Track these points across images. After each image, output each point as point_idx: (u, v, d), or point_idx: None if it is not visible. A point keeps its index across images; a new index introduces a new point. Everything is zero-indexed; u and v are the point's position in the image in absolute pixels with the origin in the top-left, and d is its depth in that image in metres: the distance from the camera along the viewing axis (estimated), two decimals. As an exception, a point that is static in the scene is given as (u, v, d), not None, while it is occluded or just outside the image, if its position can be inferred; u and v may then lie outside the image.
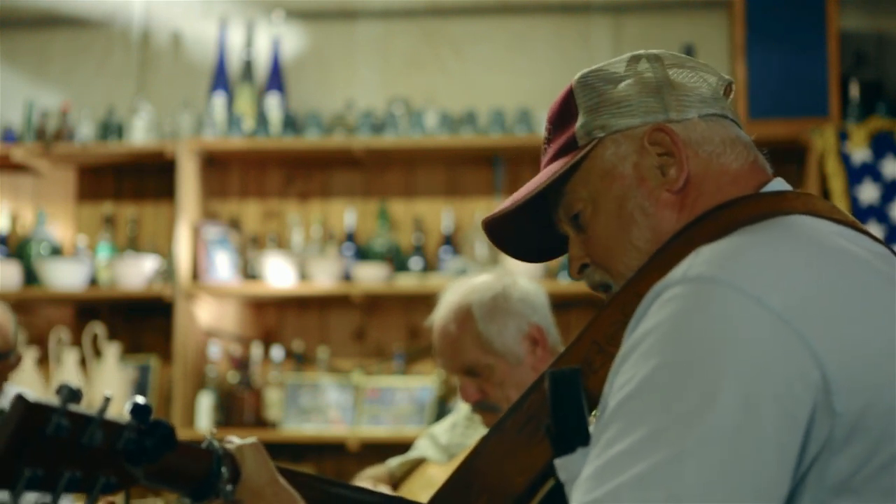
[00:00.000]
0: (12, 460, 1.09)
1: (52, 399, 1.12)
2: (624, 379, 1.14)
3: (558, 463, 1.26)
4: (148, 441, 1.20)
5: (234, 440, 1.37)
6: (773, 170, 1.40)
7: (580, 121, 1.39)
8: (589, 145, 1.38)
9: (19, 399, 1.08)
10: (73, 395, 1.11)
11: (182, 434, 1.26)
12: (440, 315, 2.60)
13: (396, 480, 2.79)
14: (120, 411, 1.22)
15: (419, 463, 2.81)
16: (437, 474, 2.67)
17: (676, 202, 1.34)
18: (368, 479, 2.77)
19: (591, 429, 1.23)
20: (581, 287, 4.73)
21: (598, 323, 1.34)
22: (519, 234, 1.49)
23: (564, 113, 1.41)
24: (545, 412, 1.31)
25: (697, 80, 1.39)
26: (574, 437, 1.26)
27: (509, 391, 2.50)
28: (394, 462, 2.82)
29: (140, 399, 1.21)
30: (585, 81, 1.41)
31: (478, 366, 2.56)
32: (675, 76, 1.38)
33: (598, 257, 1.39)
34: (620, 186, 1.36)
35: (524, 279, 2.68)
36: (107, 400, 1.15)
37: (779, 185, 1.36)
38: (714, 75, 1.41)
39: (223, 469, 1.31)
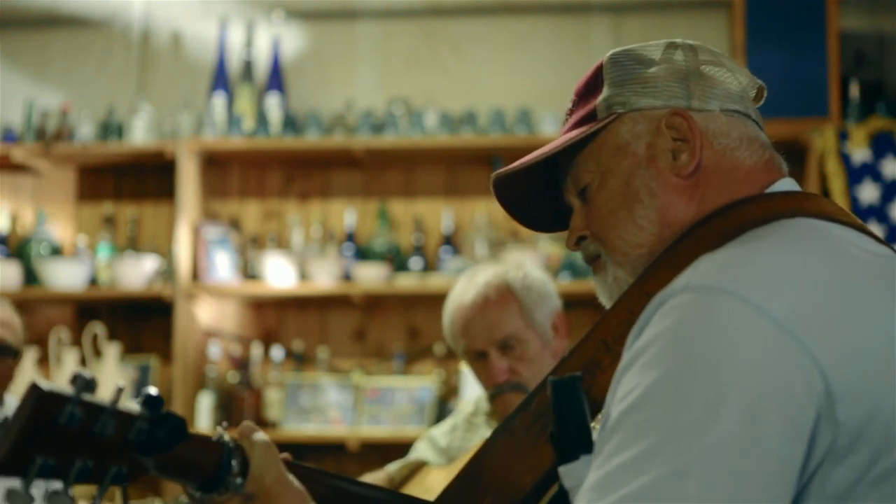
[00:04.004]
0: (25, 448, 1.09)
1: (65, 388, 1.12)
2: (626, 389, 1.14)
3: (562, 470, 1.27)
4: (159, 432, 1.20)
5: (253, 426, 1.36)
6: (787, 170, 1.40)
7: (603, 94, 1.40)
8: (607, 119, 1.38)
9: (33, 387, 1.08)
10: (87, 384, 1.11)
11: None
12: (473, 292, 2.59)
13: (396, 485, 2.77)
14: (128, 406, 1.22)
15: (419, 466, 2.79)
16: (437, 478, 2.66)
17: (685, 188, 1.34)
18: (367, 484, 2.75)
19: (595, 434, 1.23)
20: (581, 287, 4.71)
21: (606, 322, 1.34)
22: (526, 200, 1.50)
23: (591, 85, 1.42)
24: (551, 416, 1.31)
25: (727, 77, 1.39)
26: (577, 444, 1.27)
27: (537, 372, 2.50)
28: (392, 466, 2.80)
29: (152, 390, 1.21)
30: (617, 58, 1.41)
31: (517, 337, 2.56)
32: (706, 69, 1.39)
33: (597, 229, 1.40)
34: (630, 164, 1.37)
35: (537, 270, 2.71)
36: (119, 390, 1.15)
37: (787, 184, 1.36)
38: (747, 77, 1.42)
39: (233, 462, 1.31)
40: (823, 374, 1.10)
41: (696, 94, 1.37)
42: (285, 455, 1.40)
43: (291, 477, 1.36)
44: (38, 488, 1.12)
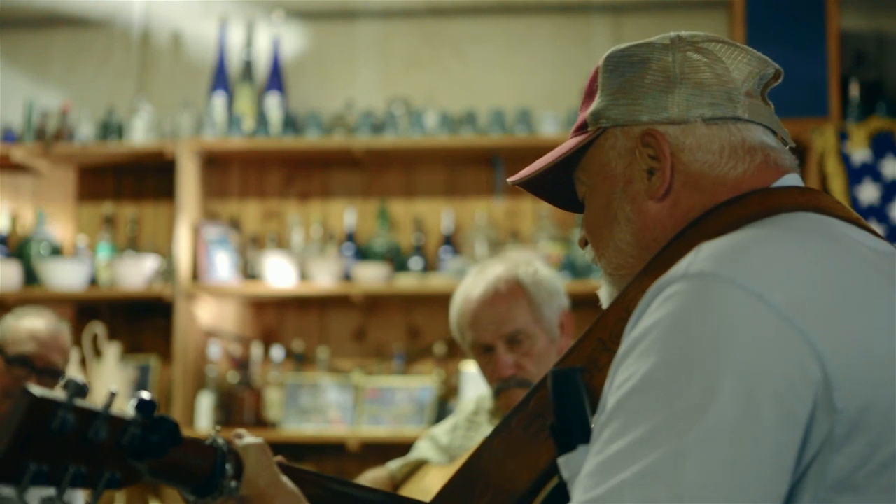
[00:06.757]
0: (18, 455, 1.09)
1: (57, 394, 1.12)
2: (624, 376, 1.14)
3: (561, 461, 1.27)
4: (153, 436, 1.20)
5: (243, 433, 1.37)
6: (793, 162, 1.38)
7: (594, 105, 1.40)
8: (593, 133, 1.39)
9: (25, 393, 1.08)
10: (79, 389, 1.11)
11: (181, 435, 1.26)
12: (482, 285, 2.58)
13: (397, 483, 2.77)
14: (121, 411, 1.22)
15: (420, 465, 2.79)
16: (437, 477, 2.66)
17: (661, 211, 1.34)
18: (368, 481, 2.75)
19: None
20: (581, 287, 4.71)
21: (603, 321, 1.34)
22: (553, 188, 1.50)
23: (591, 88, 1.42)
24: (550, 411, 1.31)
25: (721, 74, 1.36)
26: (576, 434, 1.27)
27: (543, 369, 2.49)
28: (394, 464, 2.80)
29: (145, 394, 1.20)
30: (610, 63, 1.40)
31: (525, 332, 2.56)
32: (697, 70, 1.35)
33: (590, 240, 1.43)
34: (610, 185, 1.38)
35: (547, 267, 2.71)
36: (112, 395, 1.14)
37: (790, 180, 1.35)
38: (754, 62, 1.39)
39: (227, 466, 1.31)
40: (821, 362, 1.10)
41: (678, 104, 1.34)
42: (279, 458, 1.41)
43: (286, 479, 1.37)
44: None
